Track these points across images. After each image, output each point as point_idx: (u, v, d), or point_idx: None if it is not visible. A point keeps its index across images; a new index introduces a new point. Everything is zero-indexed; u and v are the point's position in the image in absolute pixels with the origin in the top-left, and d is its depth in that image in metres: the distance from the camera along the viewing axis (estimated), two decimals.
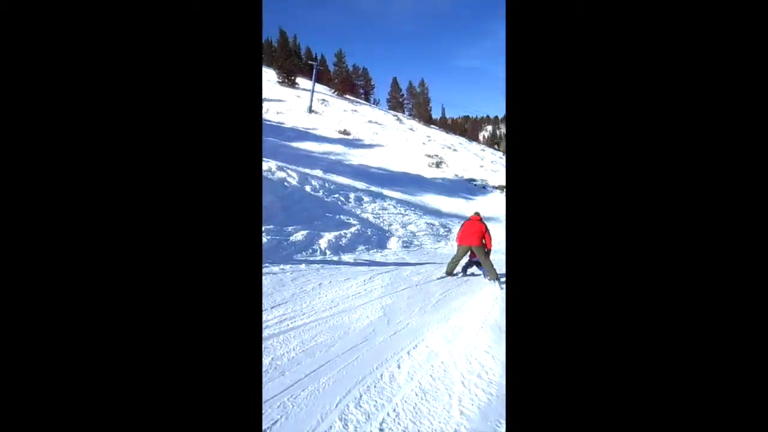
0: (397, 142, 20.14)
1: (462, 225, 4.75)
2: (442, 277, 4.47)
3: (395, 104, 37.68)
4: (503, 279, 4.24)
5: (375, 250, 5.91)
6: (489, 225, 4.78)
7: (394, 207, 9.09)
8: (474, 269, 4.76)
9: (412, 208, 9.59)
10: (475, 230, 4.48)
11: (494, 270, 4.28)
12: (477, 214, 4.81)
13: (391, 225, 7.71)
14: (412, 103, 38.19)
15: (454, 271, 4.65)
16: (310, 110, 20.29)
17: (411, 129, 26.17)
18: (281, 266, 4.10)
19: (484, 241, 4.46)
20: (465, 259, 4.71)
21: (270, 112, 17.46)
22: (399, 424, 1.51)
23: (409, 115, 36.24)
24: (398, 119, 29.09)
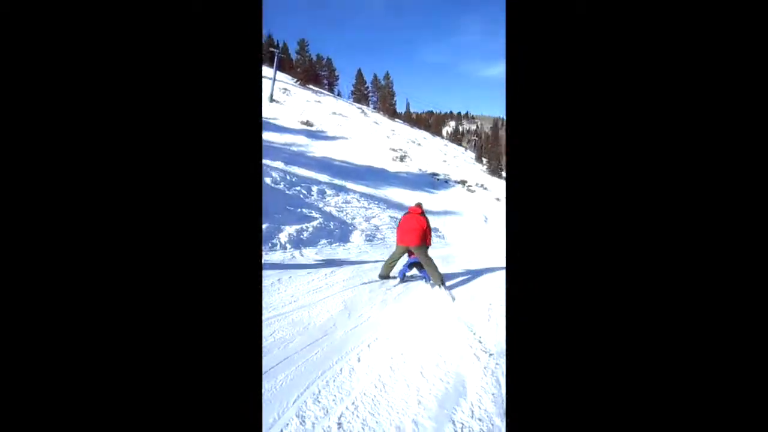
0: (362, 134, 20.02)
1: (400, 219, 3.88)
2: (373, 281, 3.73)
3: (360, 96, 37.30)
4: (448, 283, 3.78)
5: (338, 244, 5.86)
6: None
7: (358, 200, 9.05)
8: (414, 271, 4.00)
9: (376, 202, 9.60)
10: (414, 226, 3.69)
11: (438, 273, 3.61)
12: (419, 205, 3.92)
13: (354, 218, 7.68)
14: (377, 96, 38.01)
15: (390, 274, 3.89)
16: (272, 99, 19.56)
17: (376, 122, 26.12)
18: None
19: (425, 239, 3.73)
20: (405, 259, 4.01)
21: None
22: (357, 416, 1.52)
23: (374, 108, 36.08)
24: (363, 112, 28.89)
